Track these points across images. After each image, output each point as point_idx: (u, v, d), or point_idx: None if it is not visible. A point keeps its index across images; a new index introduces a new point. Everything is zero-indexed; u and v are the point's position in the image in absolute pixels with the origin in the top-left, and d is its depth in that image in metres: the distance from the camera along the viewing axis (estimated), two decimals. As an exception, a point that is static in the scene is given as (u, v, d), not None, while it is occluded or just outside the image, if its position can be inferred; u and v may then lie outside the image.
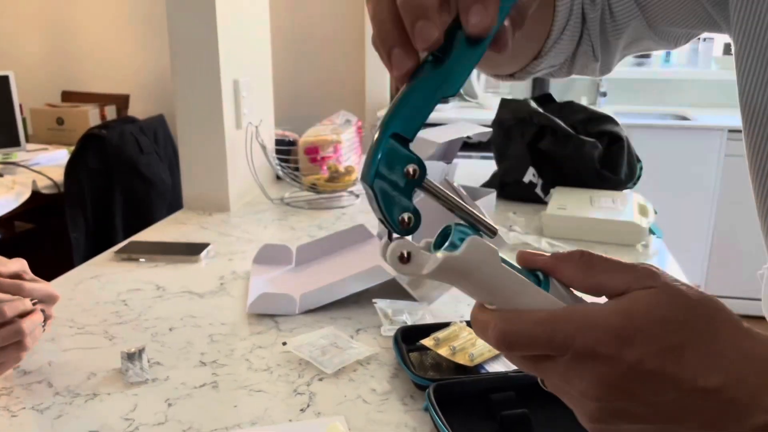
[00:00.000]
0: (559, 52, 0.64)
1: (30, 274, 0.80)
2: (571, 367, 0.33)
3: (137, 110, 3.19)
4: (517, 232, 1.28)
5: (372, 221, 1.38)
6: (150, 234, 1.36)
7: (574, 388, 0.33)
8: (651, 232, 1.26)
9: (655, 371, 0.31)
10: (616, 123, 1.57)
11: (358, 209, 1.54)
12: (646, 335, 0.32)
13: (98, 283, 1.08)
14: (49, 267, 1.19)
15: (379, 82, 3.40)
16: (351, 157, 1.72)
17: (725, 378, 0.32)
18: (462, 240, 0.35)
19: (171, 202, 2.17)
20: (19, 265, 0.80)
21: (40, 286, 0.79)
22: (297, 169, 1.64)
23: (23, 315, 0.73)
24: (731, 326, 0.33)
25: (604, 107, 3.31)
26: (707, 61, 3.37)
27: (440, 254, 0.35)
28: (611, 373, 0.32)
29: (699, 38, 3.36)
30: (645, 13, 0.62)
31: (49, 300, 0.80)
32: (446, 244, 0.35)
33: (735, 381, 0.32)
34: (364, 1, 3.28)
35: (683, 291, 0.33)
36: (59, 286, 1.07)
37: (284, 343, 0.86)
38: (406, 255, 0.35)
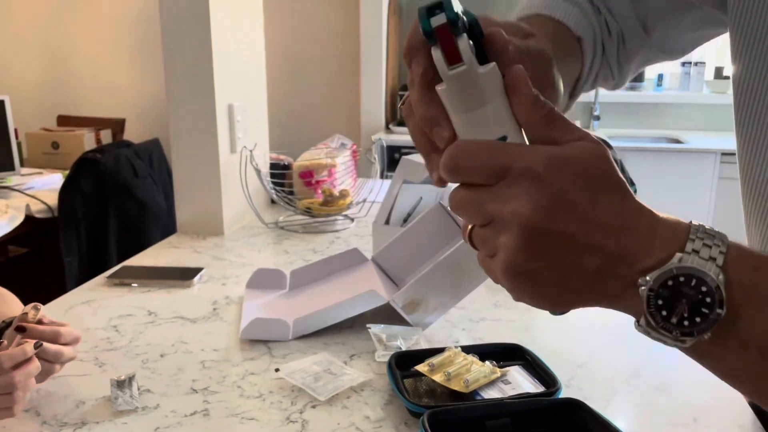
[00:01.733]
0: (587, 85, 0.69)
1: (48, 317, 0.80)
2: (509, 185, 0.37)
3: (133, 134, 3.20)
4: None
5: (366, 245, 1.37)
6: (143, 258, 1.35)
7: (507, 209, 0.37)
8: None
9: (575, 201, 0.36)
10: (609, 146, 1.57)
11: (352, 233, 1.54)
12: (574, 169, 0.37)
13: (89, 308, 1.07)
14: (42, 291, 1.18)
15: (373, 107, 3.43)
16: (346, 180, 1.72)
17: (623, 222, 0.37)
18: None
19: (165, 226, 2.16)
20: (41, 310, 0.81)
21: (68, 329, 0.80)
22: (291, 193, 1.64)
23: (19, 365, 0.72)
24: (637, 199, 0.39)
25: (598, 130, 3.34)
26: (699, 84, 3.40)
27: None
28: (542, 192, 0.36)
29: (690, 62, 3.41)
30: (651, 35, 0.67)
31: (74, 342, 0.81)
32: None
33: (630, 228, 0.37)
34: (360, 26, 3.33)
35: (617, 159, 0.40)
36: (50, 311, 1.05)
37: (277, 370, 0.85)
38: (472, 46, 0.37)
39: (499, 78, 0.38)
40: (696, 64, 3.38)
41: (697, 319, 0.37)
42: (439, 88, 0.38)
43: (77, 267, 1.99)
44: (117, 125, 3.20)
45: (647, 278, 0.37)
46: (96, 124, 3.10)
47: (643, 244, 0.37)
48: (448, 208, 1.12)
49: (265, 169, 1.64)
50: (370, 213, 1.63)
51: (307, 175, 1.67)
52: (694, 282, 0.36)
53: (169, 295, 1.13)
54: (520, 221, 0.37)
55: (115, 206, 2.06)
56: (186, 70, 1.43)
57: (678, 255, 0.37)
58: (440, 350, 0.84)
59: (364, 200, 1.65)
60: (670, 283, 0.37)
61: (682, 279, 0.37)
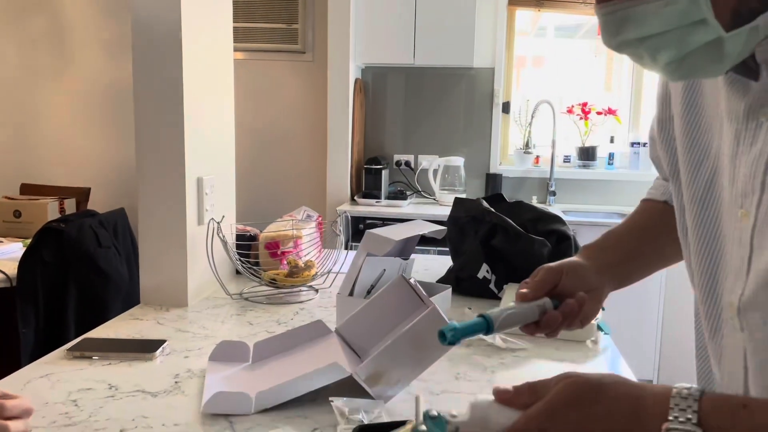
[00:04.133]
0: None
1: (1, 390, 0.79)
2: None
3: (98, 203, 3.19)
4: (472, 328, 1.31)
5: (330, 316, 1.39)
6: (105, 330, 1.34)
7: None
8: (599, 328, 1.31)
9: (570, 419, 0.54)
10: (563, 223, 1.66)
11: (316, 304, 1.56)
12: (561, 404, 0.54)
13: (48, 382, 1.06)
14: (-5, 365, 1.15)
15: (339, 180, 3.50)
16: (311, 252, 1.75)
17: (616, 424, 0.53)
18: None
19: (126, 297, 2.14)
20: None
21: (18, 402, 0.79)
22: (257, 264, 1.66)
23: None
24: (614, 393, 0.54)
25: (554, 205, 3.48)
26: (647, 163, 3.60)
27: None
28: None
29: (639, 143, 3.61)
30: None
31: (25, 414, 0.79)
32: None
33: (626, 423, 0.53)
34: (327, 102, 3.44)
35: (584, 380, 0.55)
36: (7, 385, 1.04)
37: (239, 444, 0.85)
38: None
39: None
40: (644, 144, 3.59)
41: None
42: None
43: (33, 339, 1.94)
44: (82, 194, 3.18)
45: None
46: (60, 193, 3.09)
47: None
48: (411, 281, 1.16)
49: (232, 240, 1.67)
50: (335, 284, 1.66)
51: (273, 247, 1.70)
52: None
53: (131, 368, 1.12)
54: None
55: (76, 277, 2.04)
56: (157, 143, 1.47)
57: None
58: (401, 423, 0.86)
59: (329, 271, 1.68)
60: None
61: None
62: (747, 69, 0.59)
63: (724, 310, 0.64)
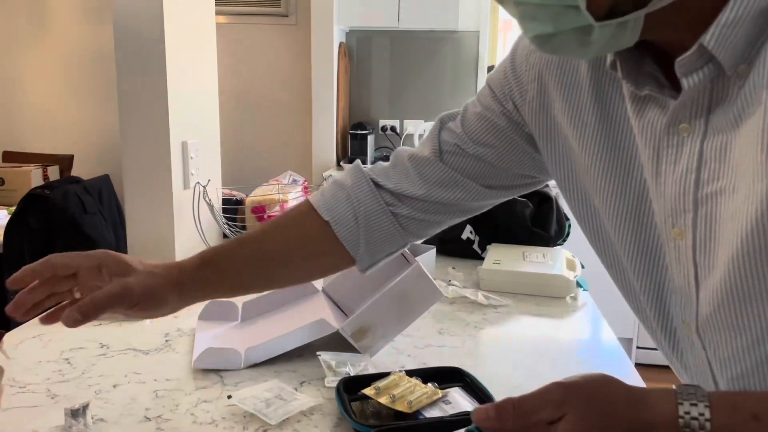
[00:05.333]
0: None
1: None
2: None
3: (82, 170, 3.17)
4: (455, 286, 1.34)
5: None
6: (94, 293, 1.35)
7: None
8: (578, 285, 1.35)
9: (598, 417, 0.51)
10: (545, 184, 1.68)
11: (303, 267, 1.58)
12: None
13: (40, 342, 1.08)
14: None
15: (324, 144, 3.50)
16: (297, 216, 1.77)
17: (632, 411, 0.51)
18: None
19: (114, 263, 2.15)
20: None
21: None
22: (244, 228, 1.67)
23: None
24: (617, 392, 0.52)
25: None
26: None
27: None
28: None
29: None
30: (479, 181, 0.82)
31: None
32: None
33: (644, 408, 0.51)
34: (312, 66, 3.41)
35: (583, 394, 0.51)
36: (-1, 346, 1.06)
37: (229, 397, 0.88)
38: None
39: None
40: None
41: None
42: None
43: (22, 304, 1.95)
44: (65, 162, 3.16)
45: None
46: (43, 160, 3.06)
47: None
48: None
49: (218, 205, 1.68)
50: (321, 247, 1.68)
51: (260, 210, 1.72)
52: None
53: (121, 329, 1.14)
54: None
55: (62, 243, 2.04)
56: (141, 108, 1.47)
57: None
58: (386, 374, 0.89)
59: (315, 235, 1.70)
60: None
61: None
62: (660, 86, 0.58)
63: (678, 328, 0.64)
